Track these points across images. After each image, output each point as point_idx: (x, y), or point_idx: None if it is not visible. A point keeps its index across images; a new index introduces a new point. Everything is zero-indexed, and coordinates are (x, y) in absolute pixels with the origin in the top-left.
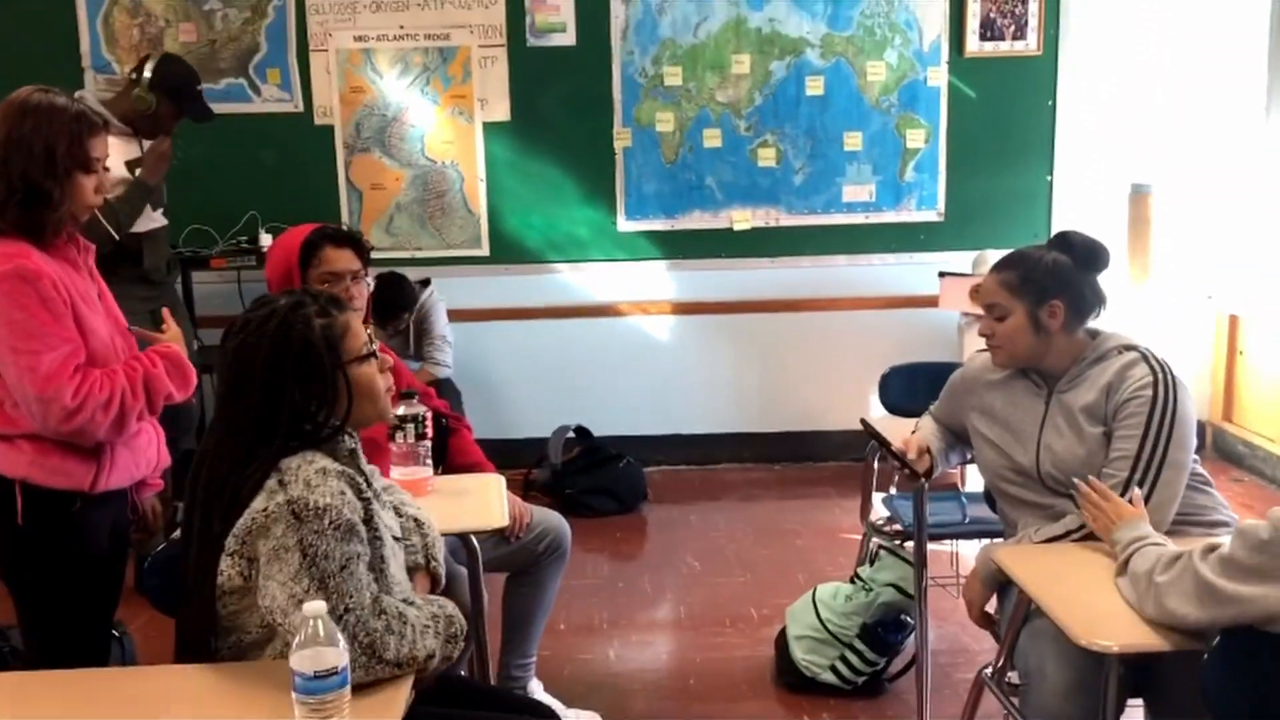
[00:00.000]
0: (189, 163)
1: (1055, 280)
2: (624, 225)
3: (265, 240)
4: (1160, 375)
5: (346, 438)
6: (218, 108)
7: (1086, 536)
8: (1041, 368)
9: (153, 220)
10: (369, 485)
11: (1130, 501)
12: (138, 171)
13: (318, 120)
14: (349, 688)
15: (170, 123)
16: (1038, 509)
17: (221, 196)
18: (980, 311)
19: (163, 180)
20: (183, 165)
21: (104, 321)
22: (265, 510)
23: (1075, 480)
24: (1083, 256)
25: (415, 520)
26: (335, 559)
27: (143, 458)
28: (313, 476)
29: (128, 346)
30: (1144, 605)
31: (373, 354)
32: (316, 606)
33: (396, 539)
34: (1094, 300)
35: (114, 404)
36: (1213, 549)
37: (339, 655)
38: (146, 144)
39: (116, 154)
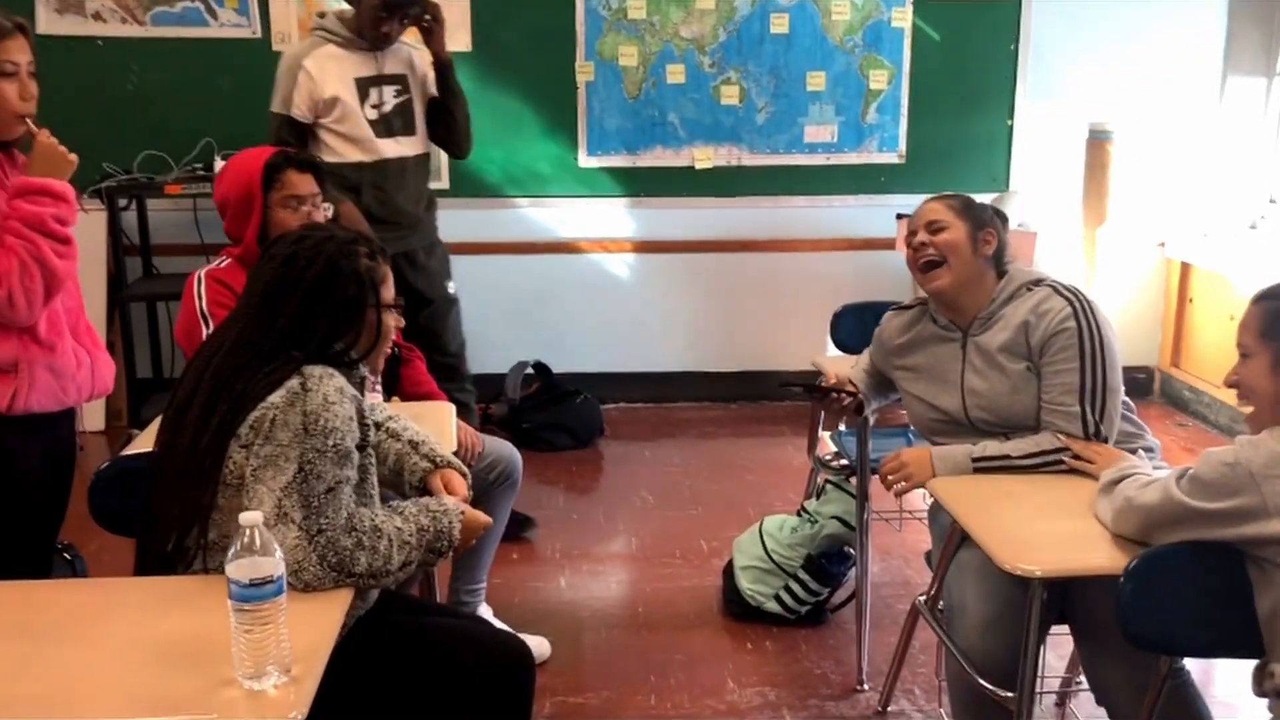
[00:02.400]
0: (143, 87)
1: (991, 216)
2: (585, 161)
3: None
4: (1077, 303)
5: (359, 367)
6: (172, 31)
7: (1052, 462)
8: (961, 305)
9: (401, 146)
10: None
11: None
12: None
13: (276, 46)
14: (284, 596)
15: (376, 16)
16: None
17: (176, 123)
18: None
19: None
20: (137, 90)
21: None
22: (280, 410)
23: (1069, 442)
24: (1003, 219)
25: (411, 443)
26: (326, 480)
27: (70, 383)
28: (331, 393)
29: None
30: (1116, 518)
31: (397, 306)
32: (252, 516)
33: None
34: (1005, 260)
35: (30, 268)
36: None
37: (275, 564)
38: (385, 58)
39: (345, 68)
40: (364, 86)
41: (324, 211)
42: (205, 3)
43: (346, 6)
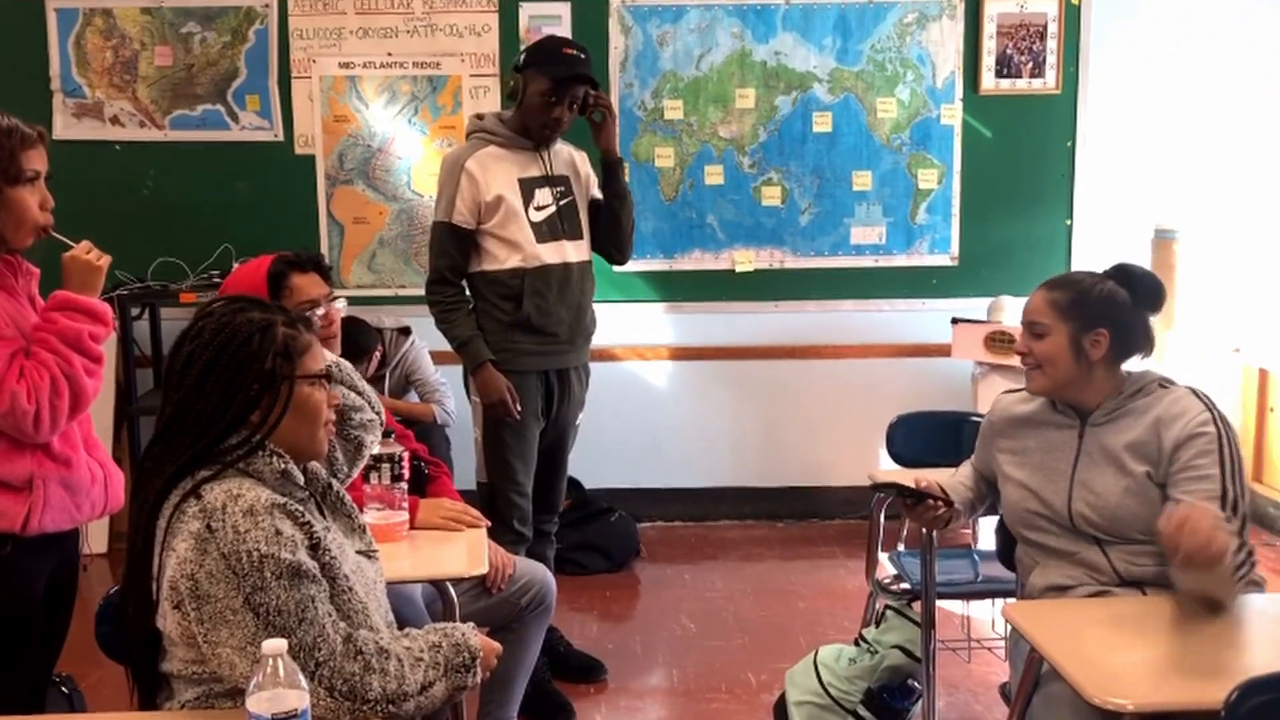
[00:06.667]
0: (160, 192)
1: (1106, 309)
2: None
3: None
4: (1215, 411)
5: (274, 459)
6: (192, 135)
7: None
8: (1074, 400)
9: (565, 251)
10: (310, 504)
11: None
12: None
13: (298, 150)
14: None
15: (546, 100)
16: (1061, 555)
17: (193, 228)
18: (994, 360)
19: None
20: (153, 195)
21: None
22: (195, 564)
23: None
24: (1141, 292)
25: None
26: (290, 611)
27: (85, 499)
28: (241, 521)
29: None
30: None
31: (326, 379)
32: (275, 644)
33: (364, 553)
34: (1142, 340)
35: (60, 384)
36: None
37: (300, 697)
38: (550, 159)
39: (510, 169)
40: (528, 188)
41: (338, 308)
42: (227, 105)
43: (496, 109)
